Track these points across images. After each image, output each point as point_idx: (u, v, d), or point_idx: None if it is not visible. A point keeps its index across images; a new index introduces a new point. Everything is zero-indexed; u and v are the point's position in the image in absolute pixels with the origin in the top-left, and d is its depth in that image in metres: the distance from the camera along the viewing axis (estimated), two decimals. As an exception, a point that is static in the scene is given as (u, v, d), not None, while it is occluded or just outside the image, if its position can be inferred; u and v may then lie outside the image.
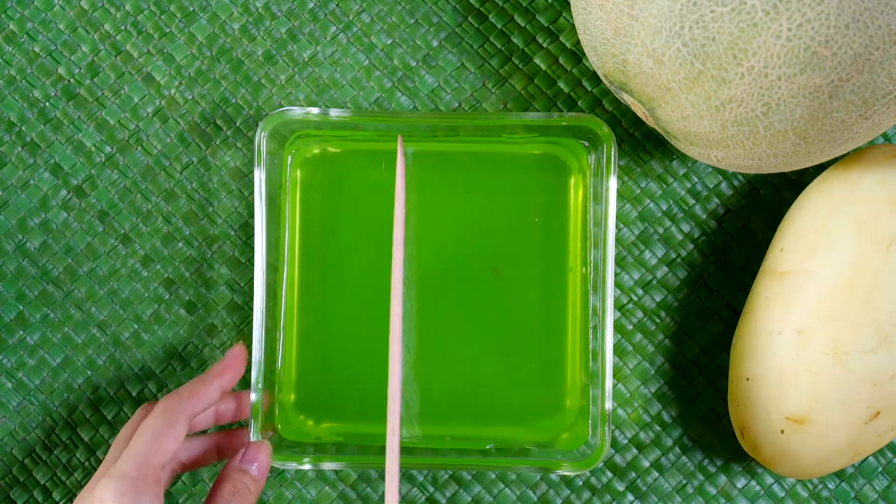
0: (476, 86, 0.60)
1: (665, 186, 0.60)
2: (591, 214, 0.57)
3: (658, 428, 0.60)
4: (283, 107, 0.59)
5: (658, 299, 0.60)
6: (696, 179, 0.60)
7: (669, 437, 0.59)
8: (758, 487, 0.59)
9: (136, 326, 0.60)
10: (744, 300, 0.59)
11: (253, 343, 0.55)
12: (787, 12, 0.45)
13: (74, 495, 0.59)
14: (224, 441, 0.56)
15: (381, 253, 0.57)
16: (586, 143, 0.57)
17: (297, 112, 0.56)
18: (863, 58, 0.46)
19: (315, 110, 0.56)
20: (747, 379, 0.54)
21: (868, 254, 0.52)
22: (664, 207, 0.60)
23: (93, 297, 0.60)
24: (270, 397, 0.56)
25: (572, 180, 0.58)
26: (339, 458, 0.56)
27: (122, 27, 0.60)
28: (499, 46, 0.60)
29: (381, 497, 0.59)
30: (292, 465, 0.56)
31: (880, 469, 0.59)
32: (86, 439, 0.60)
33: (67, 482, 0.60)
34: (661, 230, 0.60)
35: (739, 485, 0.59)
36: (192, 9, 0.60)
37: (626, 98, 0.53)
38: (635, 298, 0.60)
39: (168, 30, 0.60)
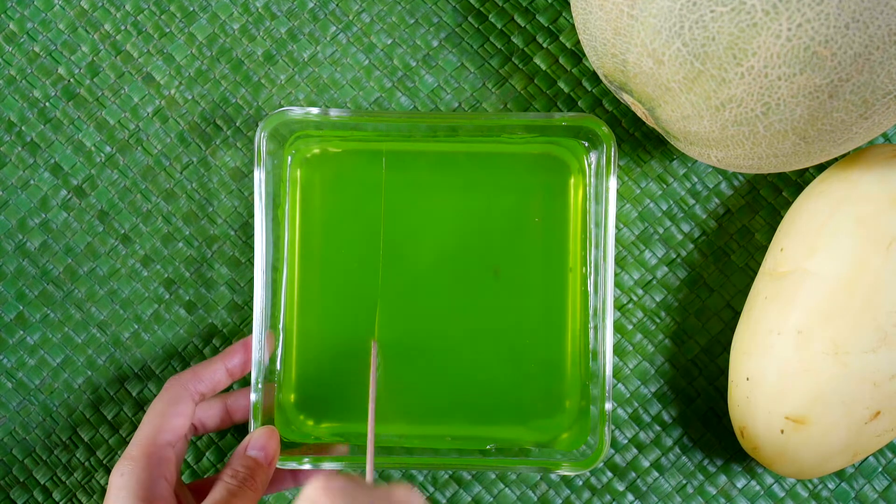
0: (476, 86, 0.60)
1: (665, 186, 0.60)
2: (591, 214, 0.57)
3: (658, 428, 0.60)
4: (283, 107, 0.59)
5: (658, 299, 0.60)
6: (696, 179, 0.60)
7: (669, 437, 0.60)
8: (758, 487, 0.59)
9: (136, 326, 0.60)
10: (744, 300, 0.59)
11: (253, 343, 0.55)
12: (786, 12, 0.45)
13: (74, 495, 0.59)
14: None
15: (381, 253, 0.57)
16: (586, 143, 0.57)
17: (297, 112, 0.56)
18: (863, 58, 0.46)
19: (315, 110, 0.56)
20: (747, 379, 0.54)
21: (868, 253, 0.52)
22: (664, 207, 0.60)
23: (93, 297, 0.60)
24: (271, 396, 0.56)
25: (572, 180, 0.58)
26: (339, 458, 0.56)
27: (122, 27, 0.60)
28: (499, 46, 0.60)
29: (381, 497, 0.59)
30: (292, 465, 0.56)
31: (880, 469, 0.59)
32: (86, 439, 0.60)
33: (67, 482, 0.60)
34: (661, 230, 0.60)
35: (739, 485, 0.59)
36: (192, 9, 0.60)
37: (626, 98, 0.53)
38: (635, 298, 0.60)
39: (168, 30, 0.60)
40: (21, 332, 0.60)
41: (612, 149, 0.56)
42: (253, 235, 0.60)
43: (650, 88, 0.50)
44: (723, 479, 0.59)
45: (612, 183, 0.56)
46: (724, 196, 0.60)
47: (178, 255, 0.60)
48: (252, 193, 0.60)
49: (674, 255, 0.60)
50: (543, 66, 0.60)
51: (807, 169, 0.59)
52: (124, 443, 0.59)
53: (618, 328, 0.60)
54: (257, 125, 0.59)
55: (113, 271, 0.60)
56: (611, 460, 0.59)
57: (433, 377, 0.58)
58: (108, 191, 0.60)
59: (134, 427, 0.60)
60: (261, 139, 0.56)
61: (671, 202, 0.60)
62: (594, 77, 0.60)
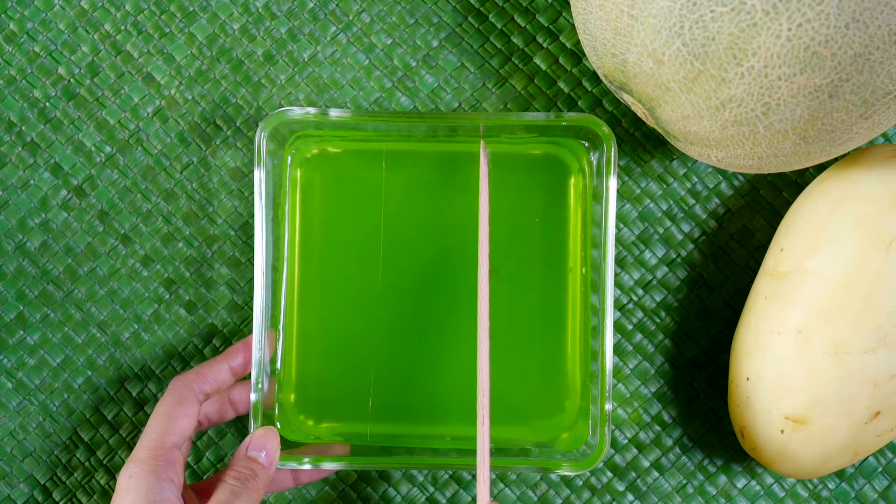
0: (476, 86, 0.60)
1: (665, 186, 0.60)
2: (591, 214, 0.57)
3: (658, 428, 0.60)
4: (283, 107, 0.59)
5: (658, 299, 0.60)
6: (696, 179, 0.60)
7: (669, 437, 0.60)
8: (758, 487, 0.59)
9: (136, 326, 0.60)
10: (744, 300, 0.59)
11: (253, 343, 0.55)
12: (786, 12, 0.45)
13: (74, 495, 0.59)
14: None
15: (381, 253, 0.57)
16: (586, 143, 0.57)
17: (297, 112, 0.56)
18: (863, 58, 0.46)
19: (315, 110, 0.56)
20: (747, 379, 0.54)
21: (868, 253, 0.52)
22: (664, 207, 0.60)
23: (93, 297, 0.60)
24: (271, 396, 0.57)
25: (572, 180, 0.58)
26: (339, 458, 0.56)
27: (122, 27, 0.60)
28: (499, 46, 0.60)
29: (382, 497, 0.59)
30: (292, 465, 0.56)
31: (880, 469, 0.59)
32: (86, 439, 0.60)
33: (67, 482, 0.60)
34: (661, 230, 0.60)
35: (739, 485, 0.59)
36: (192, 9, 0.60)
37: (626, 98, 0.53)
38: (635, 298, 0.60)
39: (168, 30, 0.60)
40: (21, 332, 0.60)
41: (612, 149, 0.56)
42: (253, 235, 0.60)
43: (650, 88, 0.50)
44: (723, 479, 0.59)
45: (612, 183, 0.56)
46: (724, 196, 0.60)
47: (179, 255, 0.60)
48: (252, 193, 0.60)
49: (674, 255, 0.60)
50: (543, 66, 0.60)
51: (807, 169, 0.59)
52: (124, 443, 0.60)
53: (618, 328, 0.60)
54: (257, 125, 0.59)
55: (113, 271, 0.60)
56: (611, 460, 0.59)
57: (433, 377, 0.58)
58: (108, 191, 0.60)
59: (134, 427, 0.60)
60: (261, 139, 0.56)
61: (671, 202, 0.60)
62: (594, 77, 0.60)
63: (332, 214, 0.58)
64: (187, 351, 0.60)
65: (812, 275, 0.52)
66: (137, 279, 0.60)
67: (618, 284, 0.60)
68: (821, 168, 0.59)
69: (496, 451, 0.57)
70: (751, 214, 0.60)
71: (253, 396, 0.55)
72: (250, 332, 0.59)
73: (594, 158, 0.57)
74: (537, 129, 0.57)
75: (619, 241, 0.60)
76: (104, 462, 0.59)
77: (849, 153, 0.57)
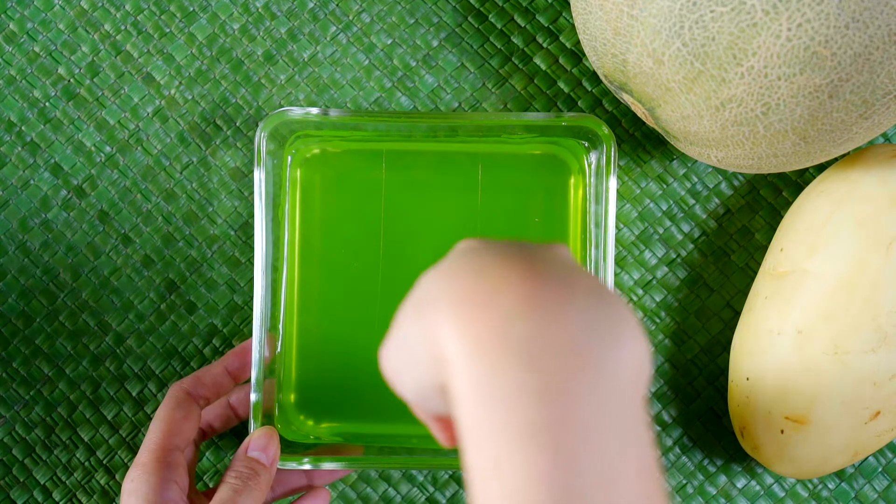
0: (476, 86, 0.60)
1: (665, 186, 0.60)
2: (591, 214, 0.57)
3: (658, 428, 0.60)
4: (283, 107, 0.59)
5: (658, 299, 0.60)
6: (696, 179, 0.60)
7: (669, 437, 0.60)
8: (758, 487, 0.59)
9: (136, 326, 0.60)
10: (744, 300, 0.59)
11: (253, 343, 0.55)
12: (786, 12, 0.45)
13: (74, 495, 0.59)
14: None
15: (381, 253, 0.57)
16: (586, 143, 0.57)
17: (297, 112, 0.56)
18: (863, 58, 0.46)
19: (315, 110, 0.56)
20: (747, 379, 0.54)
21: (868, 253, 0.52)
22: (664, 207, 0.60)
23: (93, 296, 0.60)
24: (271, 396, 0.57)
25: (572, 180, 0.58)
26: (339, 458, 0.56)
27: (122, 27, 0.60)
28: (499, 46, 0.60)
29: (382, 497, 0.59)
30: (292, 465, 0.56)
31: (880, 469, 0.59)
32: (86, 439, 0.60)
33: (67, 482, 0.60)
34: (661, 230, 0.60)
35: (739, 485, 0.59)
36: (192, 9, 0.60)
37: (626, 98, 0.53)
38: (635, 298, 0.60)
39: (168, 30, 0.60)
40: (22, 332, 0.60)
41: (612, 149, 0.56)
42: (253, 235, 0.60)
43: (650, 88, 0.50)
44: (723, 479, 0.59)
45: (612, 183, 0.56)
46: (724, 196, 0.60)
47: (179, 255, 0.60)
48: (252, 193, 0.60)
49: (674, 255, 0.60)
50: (543, 66, 0.60)
51: (807, 169, 0.59)
52: (124, 443, 0.60)
53: (618, 328, 0.60)
54: (257, 125, 0.59)
55: (113, 271, 0.60)
56: (611, 460, 0.59)
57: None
58: (109, 191, 0.60)
59: (134, 427, 0.60)
60: (261, 139, 0.56)
61: (671, 202, 0.60)
62: (594, 77, 0.60)
63: (332, 214, 0.58)
64: (187, 351, 0.60)
65: (812, 275, 0.52)
66: (138, 279, 0.60)
67: (618, 284, 0.60)
68: (821, 168, 0.59)
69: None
70: (751, 214, 0.60)
71: (253, 397, 0.55)
72: (250, 332, 0.59)
73: (594, 158, 0.57)
74: (537, 129, 0.57)
75: (619, 241, 0.60)
76: (104, 462, 0.59)
77: (849, 153, 0.57)
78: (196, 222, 0.60)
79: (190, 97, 0.60)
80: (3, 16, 0.60)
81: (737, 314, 0.60)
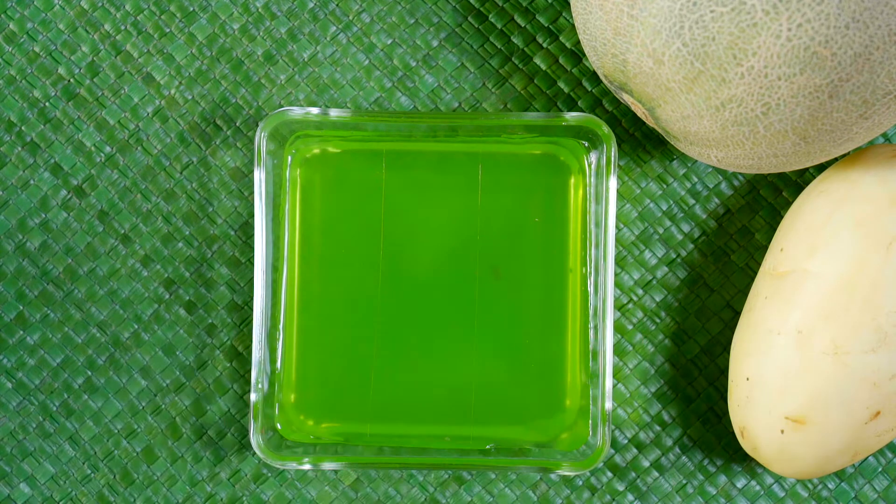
0: (476, 86, 0.60)
1: (665, 186, 0.60)
2: (591, 214, 0.57)
3: (658, 428, 0.60)
4: (283, 107, 0.59)
5: (658, 299, 0.60)
6: (696, 179, 0.60)
7: (669, 437, 0.60)
8: (758, 487, 0.59)
9: (136, 326, 0.60)
10: (744, 300, 0.59)
11: (253, 343, 0.55)
12: (787, 12, 0.45)
13: (75, 495, 0.59)
14: None
15: (381, 253, 0.57)
16: (586, 143, 0.57)
17: (297, 112, 0.56)
18: (863, 58, 0.46)
19: (315, 110, 0.56)
20: (747, 379, 0.54)
21: (868, 253, 0.52)
22: (664, 207, 0.60)
23: (93, 296, 0.60)
24: (272, 395, 0.57)
25: (572, 180, 0.58)
26: (339, 458, 0.56)
27: (122, 27, 0.60)
28: (499, 46, 0.60)
29: (382, 497, 0.59)
30: (292, 465, 0.56)
31: (880, 469, 0.59)
32: (86, 439, 0.60)
33: (67, 482, 0.60)
34: (661, 230, 0.60)
35: (739, 485, 0.59)
36: (192, 9, 0.60)
37: (626, 98, 0.53)
38: (635, 298, 0.60)
39: (168, 30, 0.60)
40: (21, 332, 0.60)
41: (612, 149, 0.56)
42: (253, 235, 0.60)
43: (650, 88, 0.50)
44: (723, 479, 0.59)
45: (612, 183, 0.56)
46: (724, 196, 0.60)
47: (178, 255, 0.60)
48: (252, 193, 0.60)
49: (674, 255, 0.60)
50: (543, 66, 0.60)
51: (807, 169, 0.59)
52: (123, 443, 0.60)
53: (618, 328, 0.60)
54: (257, 125, 0.59)
55: (113, 271, 0.60)
56: (611, 460, 0.59)
57: (433, 377, 0.58)
58: (108, 191, 0.60)
59: (133, 428, 0.60)
60: (261, 139, 0.56)
61: (671, 202, 0.60)
62: (594, 77, 0.60)
63: (332, 214, 0.58)
64: (187, 351, 0.60)
65: (812, 275, 0.52)
66: (137, 279, 0.60)
67: (618, 284, 0.60)
68: (821, 168, 0.59)
69: (496, 451, 0.57)
70: (751, 214, 0.60)
71: (253, 396, 0.55)
72: (250, 332, 0.59)
73: (594, 158, 0.57)
74: (537, 129, 0.57)
75: (619, 241, 0.60)
76: (104, 462, 0.59)
77: (849, 153, 0.57)
78: (196, 222, 0.60)
79: (190, 97, 0.60)
80: (3, 16, 0.60)
81: (737, 314, 0.60)
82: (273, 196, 0.57)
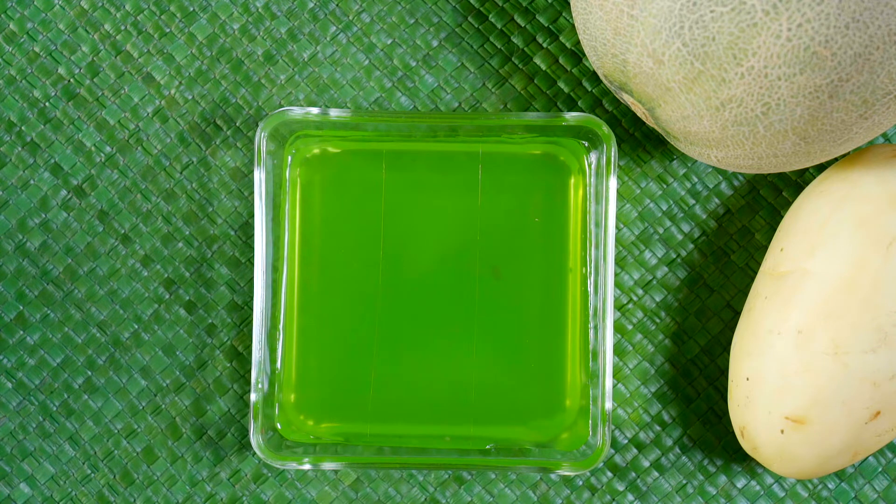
0: (476, 86, 0.60)
1: (665, 186, 0.60)
2: (591, 214, 0.57)
3: (658, 428, 0.60)
4: (283, 107, 0.59)
5: (658, 299, 0.60)
6: (696, 179, 0.60)
7: (669, 437, 0.60)
8: (758, 487, 0.59)
9: (136, 326, 0.60)
10: (744, 300, 0.59)
11: (253, 343, 0.56)
12: (787, 12, 0.45)
13: (75, 495, 0.59)
14: None
15: (381, 253, 0.57)
16: (586, 143, 0.57)
17: (297, 112, 0.56)
18: (863, 58, 0.46)
19: (315, 110, 0.56)
20: (747, 379, 0.54)
21: (868, 253, 0.52)
22: (664, 207, 0.60)
23: (93, 296, 0.60)
24: (272, 395, 0.57)
25: (572, 180, 0.58)
26: (339, 458, 0.56)
27: (122, 27, 0.60)
28: (499, 46, 0.60)
29: (382, 497, 0.59)
30: (292, 465, 0.56)
31: (880, 469, 0.59)
32: (86, 439, 0.60)
33: (67, 482, 0.60)
34: (661, 230, 0.60)
35: (739, 485, 0.59)
36: (192, 9, 0.60)
37: (626, 98, 0.53)
38: (635, 298, 0.60)
39: (168, 30, 0.60)
40: (21, 332, 0.60)
41: (612, 149, 0.56)
42: (253, 235, 0.60)
43: (650, 88, 0.50)
44: (723, 479, 0.59)
45: (612, 183, 0.56)
46: (724, 196, 0.60)
47: (178, 255, 0.60)
48: (252, 193, 0.60)
49: (674, 255, 0.60)
50: (543, 66, 0.60)
51: (807, 169, 0.59)
52: (123, 443, 0.60)
53: (618, 328, 0.60)
54: (257, 125, 0.59)
55: (113, 271, 0.60)
56: (611, 460, 0.59)
57: (433, 377, 0.58)
58: (108, 191, 0.60)
59: (132, 428, 0.60)
60: (261, 139, 0.56)
61: (671, 202, 0.60)
62: (594, 77, 0.60)
63: (332, 214, 0.58)
64: (187, 351, 0.60)
65: (812, 275, 0.52)
66: (137, 279, 0.60)
67: (618, 284, 0.60)
68: (821, 168, 0.59)
69: (496, 451, 0.57)
70: (751, 214, 0.60)
71: (253, 396, 0.55)
72: (250, 332, 0.59)
73: (594, 158, 0.57)
74: (537, 129, 0.57)
75: (619, 241, 0.60)
76: (104, 462, 0.59)
77: (849, 153, 0.57)
78: (196, 222, 0.60)
79: (190, 97, 0.60)
80: (3, 16, 0.60)
81: (737, 314, 0.60)
82: (273, 196, 0.57)
